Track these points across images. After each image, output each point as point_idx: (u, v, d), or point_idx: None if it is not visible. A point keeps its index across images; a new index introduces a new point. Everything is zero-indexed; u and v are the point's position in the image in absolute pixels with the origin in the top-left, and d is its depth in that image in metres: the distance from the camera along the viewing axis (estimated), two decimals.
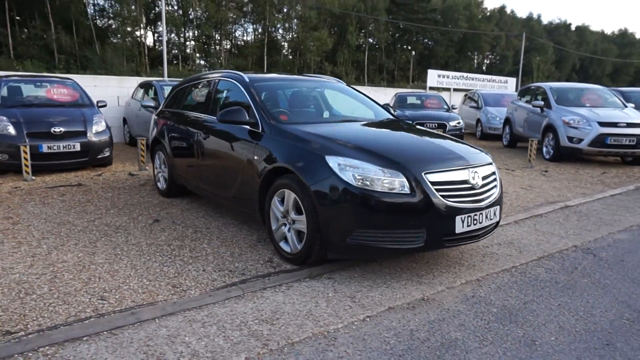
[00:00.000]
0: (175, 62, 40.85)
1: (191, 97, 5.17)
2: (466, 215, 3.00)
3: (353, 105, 4.58)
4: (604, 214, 5.03)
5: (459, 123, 11.20)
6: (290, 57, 44.78)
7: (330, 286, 2.98)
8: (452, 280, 3.13)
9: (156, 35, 43.04)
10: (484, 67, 63.09)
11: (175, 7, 40.48)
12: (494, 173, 3.39)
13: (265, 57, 41.90)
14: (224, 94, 4.47)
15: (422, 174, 2.95)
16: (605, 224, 4.65)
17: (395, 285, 3.01)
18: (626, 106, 9.44)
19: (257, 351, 2.20)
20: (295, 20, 43.88)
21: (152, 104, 8.49)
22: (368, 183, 2.90)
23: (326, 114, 4.42)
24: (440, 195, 2.93)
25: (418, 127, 4.27)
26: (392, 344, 2.31)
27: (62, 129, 6.67)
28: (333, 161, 3.01)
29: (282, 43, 46.18)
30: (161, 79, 10.65)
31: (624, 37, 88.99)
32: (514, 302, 2.83)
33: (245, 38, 46.25)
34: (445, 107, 12.81)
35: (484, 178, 3.23)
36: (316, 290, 2.92)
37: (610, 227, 4.54)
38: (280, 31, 45.21)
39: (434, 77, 18.33)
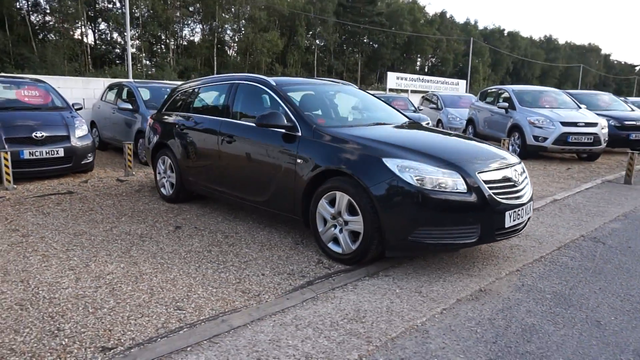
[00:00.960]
0: (118, 62, 38.97)
1: (203, 101, 5.07)
2: (513, 210, 3.23)
3: (374, 108, 4.72)
4: (590, 206, 5.53)
5: (428, 124, 11.68)
6: (239, 58, 44.18)
7: (393, 283, 3.10)
8: (497, 272, 3.36)
9: (97, 33, 40.86)
10: (426, 69, 65.67)
11: (118, 5, 38.61)
12: (524, 171, 3.66)
13: (215, 57, 41.03)
14: (247, 98, 4.45)
15: (476, 173, 3.14)
16: (595, 215, 5.12)
17: (451, 279, 3.19)
18: (580, 107, 10.33)
19: (365, 348, 2.27)
20: (243, 21, 43.37)
21: (129, 106, 8.17)
22: (427, 183, 3.05)
23: (357, 117, 4.52)
24: (493, 193, 3.15)
25: (441, 129, 4.48)
26: (480, 333, 2.47)
27: (44, 134, 6.26)
28: (392, 163, 3.13)
29: (232, 44, 45.47)
30: (134, 80, 10.21)
31: (549, 43, 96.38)
32: (561, 289, 3.10)
33: (192, 38, 45.06)
34: (412, 108, 13.31)
35: (520, 175, 3.49)
36: (382, 287, 3.02)
37: (601, 217, 5.01)
38: (229, 32, 44.47)
39: (393, 79, 18.96)
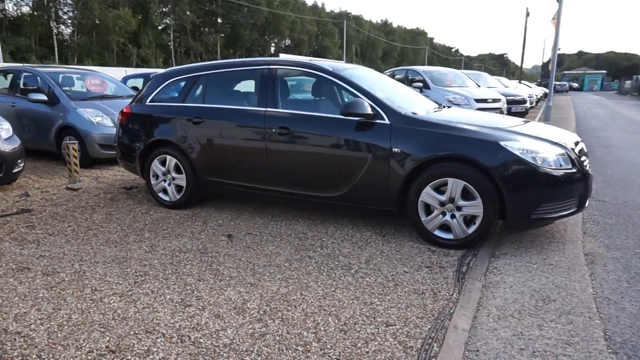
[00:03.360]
0: None
1: (224, 89, 4.38)
2: (592, 180, 3.63)
3: (404, 90, 4.69)
4: None
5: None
6: (83, 38, 38.49)
7: (519, 261, 3.23)
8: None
9: None
10: (289, 51, 66.50)
11: None
12: None
13: (55, 37, 35.05)
14: (295, 86, 4.02)
15: (572, 149, 3.43)
16: None
17: (556, 247, 3.46)
18: (479, 86, 11.76)
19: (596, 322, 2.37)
20: None
21: (43, 97, 6.62)
22: (546, 162, 3.22)
23: (419, 101, 4.36)
24: (585, 166, 3.48)
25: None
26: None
27: None
28: (512, 146, 3.22)
29: (67, 20, 39.26)
30: (37, 65, 8.23)
31: (386, 26, 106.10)
32: None
33: (20, 12, 37.54)
34: None
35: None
36: (521, 266, 3.13)
37: None
38: (66, 7, 38.27)
39: None
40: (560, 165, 3.27)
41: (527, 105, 14.74)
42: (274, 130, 3.91)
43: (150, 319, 2.43)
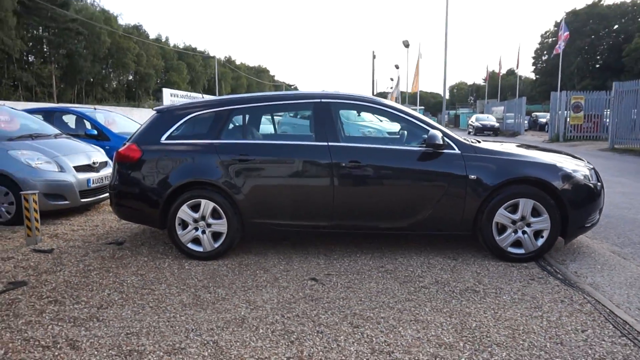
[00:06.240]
0: None
1: (272, 125, 4.10)
2: None
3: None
4: None
5: None
6: None
7: (586, 265, 3.81)
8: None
9: None
10: (132, 84, 62.06)
11: None
12: None
13: None
14: (351, 120, 4.03)
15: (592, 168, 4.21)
16: None
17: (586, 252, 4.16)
18: None
19: None
20: None
21: None
22: (588, 179, 3.91)
23: None
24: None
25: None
26: None
27: None
28: (564, 166, 3.82)
29: None
30: None
31: (231, 63, 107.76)
32: None
33: None
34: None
35: None
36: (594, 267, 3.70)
37: None
38: None
39: (167, 95, 17.84)
40: (597, 182, 4.00)
41: None
42: (343, 164, 3.86)
43: None
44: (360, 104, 4.15)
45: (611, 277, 3.48)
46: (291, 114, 4.26)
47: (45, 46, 44.66)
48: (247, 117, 4.20)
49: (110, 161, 6.47)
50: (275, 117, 4.29)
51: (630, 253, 4.19)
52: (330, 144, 3.93)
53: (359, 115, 6.89)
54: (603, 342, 2.51)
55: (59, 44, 43.28)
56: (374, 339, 2.58)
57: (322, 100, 4.06)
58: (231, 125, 4.16)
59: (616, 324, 2.71)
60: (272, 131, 4.18)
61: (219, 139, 4.06)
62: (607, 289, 3.27)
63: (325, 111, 4.02)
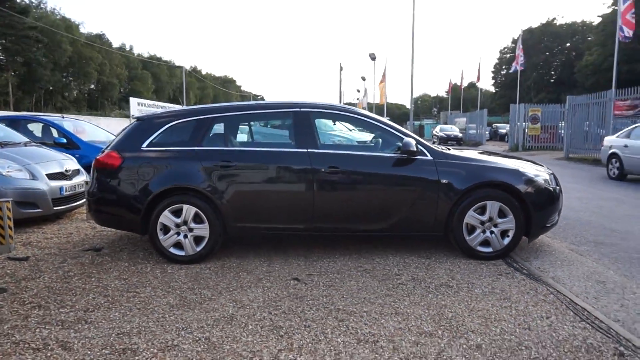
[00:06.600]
0: None
1: (253, 132, 4.22)
2: None
3: None
4: None
5: None
6: None
7: (547, 261, 4.12)
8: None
9: None
10: (94, 93, 60.38)
11: None
12: None
13: None
14: (328, 128, 4.21)
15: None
16: None
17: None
18: None
19: None
20: None
21: None
22: (549, 183, 4.24)
23: None
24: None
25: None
26: None
27: None
28: (526, 171, 4.13)
29: None
30: None
31: (197, 72, 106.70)
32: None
33: None
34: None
35: None
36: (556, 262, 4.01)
37: None
38: None
39: (135, 105, 17.51)
40: (557, 185, 4.34)
41: None
42: (323, 170, 4.03)
43: None
44: (338, 113, 4.36)
45: (570, 271, 3.79)
46: (276, 123, 4.40)
47: (1, 54, 42.83)
48: (229, 125, 4.32)
49: (82, 169, 6.40)
50: (255, 126, 4.43)
51: (587, 250, 4.56)
52: (310, 150, 4.10)
53: (334, 124, 7.18)
54: (565, 326, 2.77)
55: (16, 51, 41.66)
56: (359, 330, 2.74)
57: (302, 109, 4.24)
58: (213, 133, 4.27)
59: (576, 310, 2.99)
60: (254, 138, 4.30)
61: (201, 146, 4.16)
62: (567, 281, 3.57)
63: (305, 119, 4.20)
